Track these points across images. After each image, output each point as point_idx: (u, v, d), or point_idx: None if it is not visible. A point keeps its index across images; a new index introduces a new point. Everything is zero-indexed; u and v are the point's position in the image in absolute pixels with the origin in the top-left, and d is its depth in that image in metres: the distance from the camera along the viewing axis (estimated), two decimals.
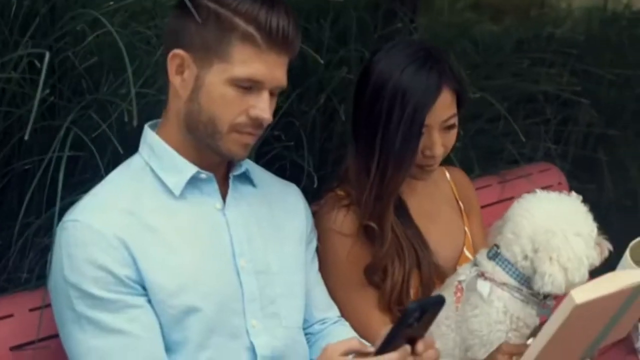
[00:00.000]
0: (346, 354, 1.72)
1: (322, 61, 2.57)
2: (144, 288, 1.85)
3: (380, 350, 1.70)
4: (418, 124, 2.15)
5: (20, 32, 2.12)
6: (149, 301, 1.86)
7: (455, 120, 2.23)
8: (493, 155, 3.44)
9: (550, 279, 2.13)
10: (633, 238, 2.39)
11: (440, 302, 1.73)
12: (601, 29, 4.12)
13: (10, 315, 1.98)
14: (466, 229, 2.46)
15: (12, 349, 1.94)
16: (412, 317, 1.68)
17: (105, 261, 1.81)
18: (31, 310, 1.99)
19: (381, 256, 2.21)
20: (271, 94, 1.92)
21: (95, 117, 2.07)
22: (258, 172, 2.11)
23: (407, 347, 1.72)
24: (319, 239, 2.21)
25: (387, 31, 3.07)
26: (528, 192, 3.16)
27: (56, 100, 2.15)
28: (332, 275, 2.21)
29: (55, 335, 1.93)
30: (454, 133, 2.24)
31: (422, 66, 2.17)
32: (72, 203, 1.94)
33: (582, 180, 3.57)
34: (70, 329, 1.84)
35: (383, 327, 1.90)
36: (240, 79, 1.86)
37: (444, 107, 2.19)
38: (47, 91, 2.06)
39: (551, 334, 1.86)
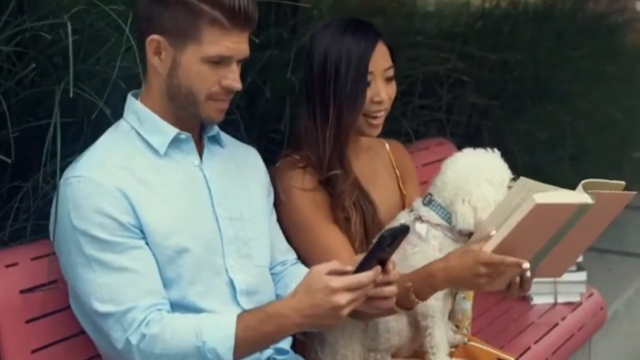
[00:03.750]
0: (329, 274, 2.02)
1: (257, 40, 2.83)
2: (142, 232, 2.12)
3: (358, 270, 2.02)
4: (363, 68, 2.50)
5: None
6: (147, 243, 2.13)
7: (392, 73, 2.59)
8: (393, 132, 3.79)
9: (462, 217, 2.50)
10: None
11: (406, 230, 2.08)
12: (480, 21, 4.51)
13: (16, 264, 2.20)
14: (404, 191, 2.80)
15: (22, 292, 2.17)
16: (386, 243, 2.02)
17: (109, 210, 2.08)
18: (33, 259, 2.23)
19: (346, 189, 2.54)
20: (237, 62, 2.21)
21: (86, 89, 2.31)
22: (224, 136, 2.40)
23: (379, 267, 2.05)
24: (281, 198, 2.51)
25: (302, 18, 3.38)
26: (426, 162, 3.57)
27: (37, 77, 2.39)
28: (299, 225, 2.51)
29: (55, 281, 2.20)
30: (393, 85, 2.61)
31: (358, 28, 2.55)
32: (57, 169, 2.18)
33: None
34: (80, 271, 2.09)
35: (349, 253, 2.35)
36: (211, 57, 2.15)
37: (383, 56, 2.56)
38: (33, 65, 2.32)
39: (513, 226, 2.24)
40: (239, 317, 2.08)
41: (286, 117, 3.03)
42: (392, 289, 2.13)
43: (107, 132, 2.25)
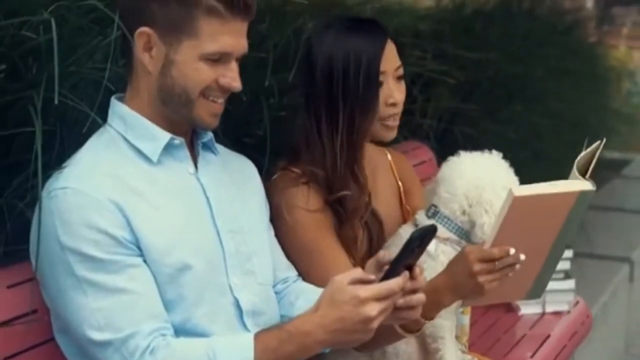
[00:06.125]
0: (352, 283, 1.81)
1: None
2: (139, 248, 1.88)
3: (385, 277, 1.82)
4: (375, 68, 2.30)
5: None
6: (145, 261, 1.88)
7: (402, 72, 2.39)
8: None
9: (490, 228, 2.30)
10: None
11: (434, 230, 1.87)
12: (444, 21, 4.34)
13: None
14: (407, 206, 2.59)
15: (0, 325, 1.89)
16: (415, 244, 1.82)
17: (103, 224, 1.83)
18: (10, 287, 1.95)
19: (360, 207, 2.34)
20: (236, 60, 1.99)
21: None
22: (215, 143, 2.16)
23: (407, 273, 1.84)
24: (283, 215, 2.28)
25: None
26: None
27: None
28: (302, 247, 2.29)
29: (35, 311, 1.93)
30: (404, 85, 2.40)
31: (363, 27, 2.35)
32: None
33: (445, 155, 3.79)
34: (71, 295, 1.83)
35: None
36: (210, 54, 1.92)
37: (393, 54, 2.36)
38: (3, 66, 2.04)
39: (498, 226, 2.08)
40: (256, 337, 1.86)
41: (265, 120, 2.80)
42: (420, 297, 1.91)
43: (90, 139, 2.00)
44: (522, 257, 2.11)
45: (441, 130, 4.08)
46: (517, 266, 2.12)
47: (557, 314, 3.50)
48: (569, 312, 3.53)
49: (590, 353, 4.13)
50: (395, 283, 1.81)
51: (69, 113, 2.14)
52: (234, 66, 1.97)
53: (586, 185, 2.12)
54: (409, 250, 1.83)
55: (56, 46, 1.81)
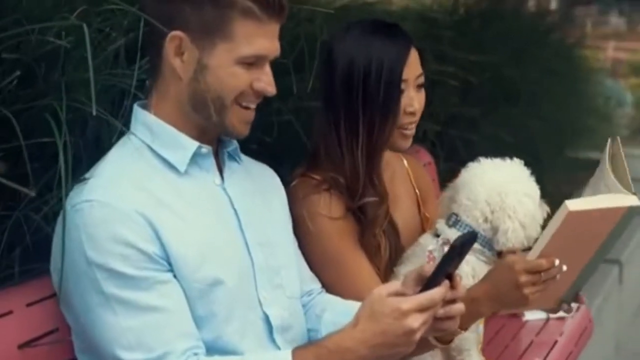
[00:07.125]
0: (390, 296, 1.74)
1: None
2: (169, 263, 1.79)
3: (425, 287, 1.75)
4: (397, 74, 2.24)
5: None
6: (175, 277, 1.80)
7: (423, 80, 2.33)
8: None
9: (514, 234, 2.26)
10: None
11: (474, 237, 1.83)
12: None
13: (10, 313, 1.81)
14: (427, 213, 2.54)
15: (21, 346, 1.79)
16: (456, 252, 1.76)
17: (132, 238, 1.74)
18: (29, 305, 1.85)
19: (380, 215, 2.28)
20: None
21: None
22: (239, 152, 2.08)
23: (447, 282, 1.77)
24: (305, 223, 2.22)
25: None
26: None
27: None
28: (326, 256, 2.23)
29: (56, 330, 1.85)
30: (423, 94, 2.34)
31: (387, 32, 2.29)
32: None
33: (443, 158, 3.74)
34: (98, 313, 1.74)
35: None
36: (247, 57, 1.84)
37: (416, 62, 2.30)
38: (18, 73, 1.94)
39: (547, 238, 2.05)
40: (294, 354, 1.78)
41: (290, 126, 2.75)
42: (460, 307, 1.84)
43: (113, 149, 1.91)
44: (565, 268, 2.08)
45: (438, 133, 4.03)
46: (558, 277, 2.08)
47: (561, 319, 3.43)
48: (572, 317, 3.48)
49: (586, 356, 4.09)
50: (437, 293, 1.74)
51: (77, 119, 2.05)
52: (268, 70, 1.89)
53: (634, 200, 2.12)
54: (449, 260, 1.77)
55: (90, 54, 1.70)
